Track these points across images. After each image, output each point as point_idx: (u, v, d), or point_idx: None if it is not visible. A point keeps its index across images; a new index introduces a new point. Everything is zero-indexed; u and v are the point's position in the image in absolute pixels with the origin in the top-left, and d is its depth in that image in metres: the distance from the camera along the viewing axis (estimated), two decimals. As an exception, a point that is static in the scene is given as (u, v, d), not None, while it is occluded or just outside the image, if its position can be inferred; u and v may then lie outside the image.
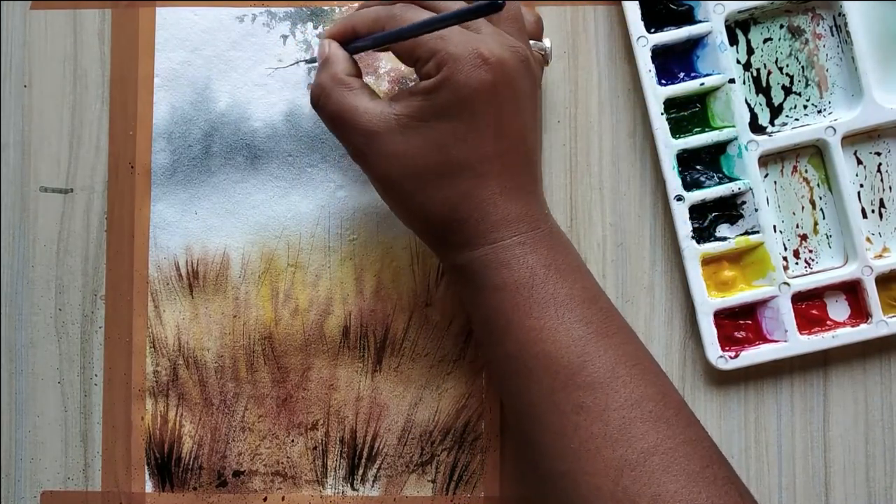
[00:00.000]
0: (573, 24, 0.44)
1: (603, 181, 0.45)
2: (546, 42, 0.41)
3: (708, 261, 0.43)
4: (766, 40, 0.44)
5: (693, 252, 0.43)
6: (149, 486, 0.45)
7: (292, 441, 0.45)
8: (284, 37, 0.45)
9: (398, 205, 0.38)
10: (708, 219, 0.44)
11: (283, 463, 0.45)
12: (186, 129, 0.45)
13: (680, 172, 0.43)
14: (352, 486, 0.44)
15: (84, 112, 0.45)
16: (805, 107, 0.44)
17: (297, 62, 0.44)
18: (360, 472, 0.44)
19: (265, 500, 0.45)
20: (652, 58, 0.43)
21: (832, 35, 0.44)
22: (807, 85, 0.44)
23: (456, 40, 0.35)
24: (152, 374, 0.45)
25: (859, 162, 0.44)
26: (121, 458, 0.45)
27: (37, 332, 0.45)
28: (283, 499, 0.45)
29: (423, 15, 0.36)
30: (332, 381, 0.45)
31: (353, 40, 0.39)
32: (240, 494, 0.45)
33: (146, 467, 0.45)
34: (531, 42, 0.39)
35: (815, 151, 0.44)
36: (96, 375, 0.45)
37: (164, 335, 0.45)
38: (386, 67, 0.45)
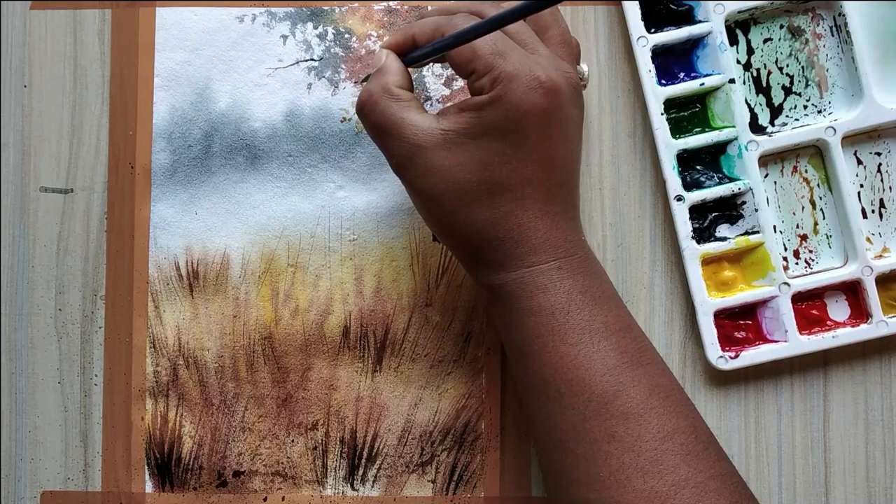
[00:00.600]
0: (573, 24, 0.44)
1: (603, 181, 0.45)
2: (584, 67, 0.42)
3: (708, 261, 0.43)
4: (766, 40, 0.44)
5: (693, 252, 0.43)
6: (149, 487, 0.45)
7: (292, 441, 0.45)
8: (284, 37, 0.45)
9: (436, 221, 0.38)
10: (708, 219, 0.44)
11: (283, 463, 0.45)
12: (186, 130, 0.45)
13: (680, 172, 0.43)
14: (352, 486, 0.44)
15: (84, 112, 0.45)
16: (805, 107, 0.44)
17: (357, 82, 0.44)
18: (360, 472, 0.44)
19: (265, 500, 0.45)
20: (652, 58, 0.43)
21: (832, 35, 0.44)
22: (807, 85, 0.44)
23: (514, 59, 0.35)
24: (152, 375, 0.45)
25: (859, 162, 0.44)
26: (121, 459, 0.45)
27: (37, 332, 0.45)
28: (283, 499, 0.45)
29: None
30: (332, 382, 0.45)
31: (411, 51, 0.38)
32: (240, 494, 0.45)
33: (146, 467, 0.45)
34: None
35: (815, 151, 0.44)
36: (96, 376, 0.45)
37: (164, 335, 0.45)
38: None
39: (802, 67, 0.44)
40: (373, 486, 0.44)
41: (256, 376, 0.45)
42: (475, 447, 0.44)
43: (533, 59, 0.35)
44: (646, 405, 0.35)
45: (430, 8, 0.44)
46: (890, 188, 0.44)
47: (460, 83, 0.45)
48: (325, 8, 0.45)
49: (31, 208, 0.45)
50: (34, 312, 0.45)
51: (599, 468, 0.34)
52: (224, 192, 0.45)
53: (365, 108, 0.37)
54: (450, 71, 0.45)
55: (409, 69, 0.38)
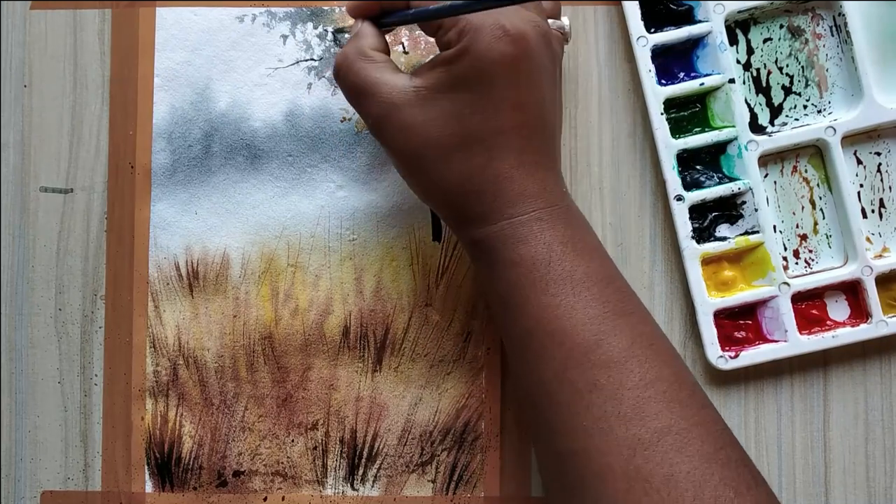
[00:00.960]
0: (573, 25, 0.44)
1: (603, 181, 0.45)
2: (565, 20, 0.42)
3: (708, 261, 0.43)
4: (765, 40, 0.44)
5: (693, 252, 0.43)
6: (149, 486, 0.45)
7: (292, 441, 0.45)
8: (284, 37, 0.45)
9: (415, 178, 0.38)
10: (708, 219, 0.44)
11: (283, 463, 0.45)
12: (186, 129, 0.45)
13: (680, 172, 0.43)
14: (352, 486, 0.44)
15: (84, 112, 0.45)
16: (805, 107, 0.44)
17: (329, 31, 0.45)
18: (360, 472, 0.44)
19: (265, 500, 0.45)
20: (652, 58, 0.43)
21: (832, 35, 0.44)
22: (807, 85, 0.44)
23: None
24: (152, 374, 0.45)
25: (859, 162, 0.44)
26: (121, 458, 0.45)
27: (37, 332, 0.45)
28: (283, 499, 0.45)
29: None
30: (332, 381, 0.45)
31: (380, 15, 0.39)
32: (240, 494, 0.45)
33: (146, 467, 0.45)
34: (550, 21, 0.39)
35: (815, 151, 0.44)
36: (96, 375, 0.45)
37: (164, 335, 0.45)
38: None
39: (802, 67, 0.44)
40: (373, 486, 0.44)
41: (256, 376, 0.45)
42: (475, 447, 0.44)
43: (497, 11, 0.35)
44: (628, 353, 0.34)
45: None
46: (890, 188, 0.44)
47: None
48: (325, 8, 0.45)
49: (31, 208, 0.45)
50: (34, 312, 0.45)
51: (582, 417, 0.34)
52: (224, 191, 0.45)
53: (340, 71, 0.38)
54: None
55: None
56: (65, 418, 0.45)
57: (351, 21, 0.42)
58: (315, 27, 0.45)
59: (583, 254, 0.36)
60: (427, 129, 0.36)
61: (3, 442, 0.45)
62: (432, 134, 0.36)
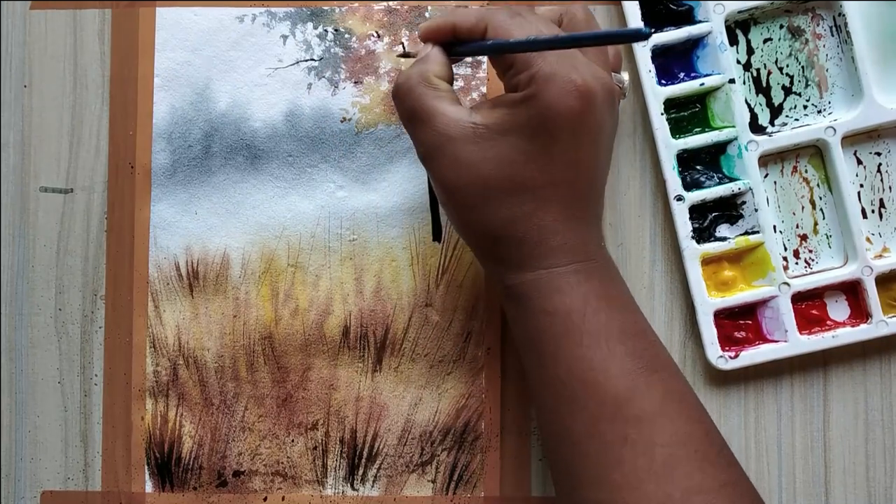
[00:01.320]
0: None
1: (603, 181, 0.45)
2: (624, 76, 0.41)
3: (708, 261, 0.43)
4: (766, 40, 0.44)
5: (693, 252, 0.43)
6: (149, 486, 0.45)
7: (292, 441, 0.45)
8: (284, 37, 0.45)
9: (458, 214, 0.37)
10: (708, 219, 0.44)
11: (283, 463, 0.45)
12: (186, 130, 0.45)
13: (680, 172, 0.43)
14: (352, 486, 0.44)
15: (84, 112, 0.45)
16: (805, 107, 0.44)
17: (399, 52, 0.44)
18: (360, 472, 0.44)
19: (265, 499, 0.45)
20: (652, 58, 0.43)
21: (832, 35, 0.44)
22: (807, 85, 0.44)
23: (552, 59, 0.34)
24: (152, 374, 0.45)
25: (859, 162, 0.44)
26: (121, 458, 0.45)
27: (37, 332, 0.45)
28: (283, 499, 0.45)
29: (527, 26, 0.35)
30: (332, 381, 0.45)
31: (452, 41, 0.38)
32: (240, 494, 0.45)
33: (146, 467, 0.45)
34: (613, 75, 0.38)
35: (815, 151, 0.44)
36: (96, 375, 0.45)
37: (164, 335, 0.45)
38: (386, 67, 0.45)
39: (802, 67, 0.44)
40: (373, 486, 0.44)
41: (256, 376, 0.45)
42: (475, 447, 0.44)
43: (570, 62, 0.34)
44: (660, 410, 0.34)
45: (430, 8, 0.45)
46: (890, 188, 0.44)
47: (460, 84, 0.45)
48: (325, 8, 0.45)
49: (31, 208, 0.45)
50: (34, 312, 0.45)
51: (612, 471, 0.34)
52: (224, 192, 0.45)
53: (400, 92, 0.37)
54: None
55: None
56: (65, 418, 0.45)
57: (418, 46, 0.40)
58: (315, 27, 0.45)
59: (618, 308, 0.36)
60: (479, 168, 0.35)
61: (3, 442, 0.45)
62: (483, 174, 0.35)
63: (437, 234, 0.45)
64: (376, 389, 0.45)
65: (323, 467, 0.45)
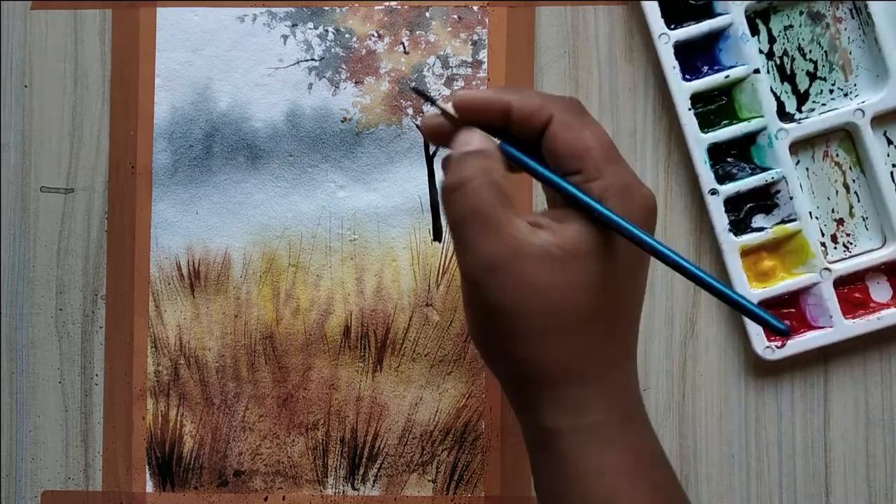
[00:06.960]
0: (573, 24, 0.45)
1: (603, 181, 0.44)
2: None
3: (746, 252, 0.43)
4: (786, 28, 0.44)
5: (732, 245, 0.43)
6: (150, 486, 0.45)
7: (293, 441, 0.45)
8: (285, 37, 0.45)
9: (507, 343, 0.31)
10: (743, 210, 0.44)
11: (283, 462, 0.45)
12: (187, 129, 0.45)
13: (711, 166, 0.43)
14: (352, 485, 0.45)
15: (84, 112, 0.45)
16: (831, 91, 0.44)
17: (417, 88, 0.40)
18: (361, 471, 0.45)
19: (266, 499, 0.45)
20: (674, 54, 0.43)
21: (852, 17, 0.44)
22: (831, 69, 0.44)
23: (625, 171, 0.31)
24: (153, 374, 0.45)
25: (890, 142, 0.44)
26: (122, 458, 0.45)
27: (37, 332, 0.45)
28: (283, 498, 0.45)
29: (594, 128, 0.31)
30: (333, 381, 0.45)
31: (502, 127, 0.32)
32: (241, 494, 0.45)
33: (147, 467, 0.45)
34: None
35: (845, 135, 0.44)
36: (97, 375, 0.45)
37: (165, 335, 0.45)
38: (387, 67, 0.45)
39: (825, 52, 0.44)
40: (373, 486, 0.44)
41: (257, 376, 0.45)
42: (476, 447, 0.44)
43: (630, 170, 0.31)
44: None
45: (430, 8, 0.44)
46: (924, 166, 0.44)
47: (460, 84, 0.45)
48: (326, 8, 0.45)
49: (32, 208, 0.45)
50: (35, 312, 0.45)
51: None
52: (225, 191, 0.45)
53: (464, 187, 0.30)
54: (451, 70, 0.44)
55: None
56: (65, 418, 0.45)
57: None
58: (315, 27, 0.45)
59: (661, 465, 0.33)
60: (551, 293, 0.30)
61: (4, 442, 0.45)
62: (555, 300, 0.30)
63: (437, 234, 0.45)
64: (377, 389, 0.45)
65: (323, 467, 0.45)
